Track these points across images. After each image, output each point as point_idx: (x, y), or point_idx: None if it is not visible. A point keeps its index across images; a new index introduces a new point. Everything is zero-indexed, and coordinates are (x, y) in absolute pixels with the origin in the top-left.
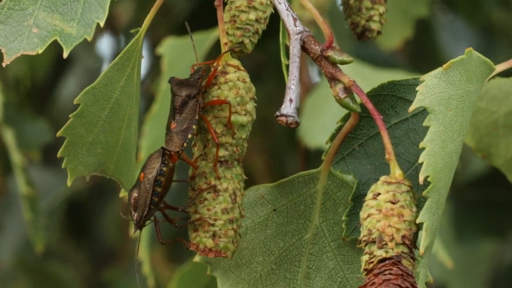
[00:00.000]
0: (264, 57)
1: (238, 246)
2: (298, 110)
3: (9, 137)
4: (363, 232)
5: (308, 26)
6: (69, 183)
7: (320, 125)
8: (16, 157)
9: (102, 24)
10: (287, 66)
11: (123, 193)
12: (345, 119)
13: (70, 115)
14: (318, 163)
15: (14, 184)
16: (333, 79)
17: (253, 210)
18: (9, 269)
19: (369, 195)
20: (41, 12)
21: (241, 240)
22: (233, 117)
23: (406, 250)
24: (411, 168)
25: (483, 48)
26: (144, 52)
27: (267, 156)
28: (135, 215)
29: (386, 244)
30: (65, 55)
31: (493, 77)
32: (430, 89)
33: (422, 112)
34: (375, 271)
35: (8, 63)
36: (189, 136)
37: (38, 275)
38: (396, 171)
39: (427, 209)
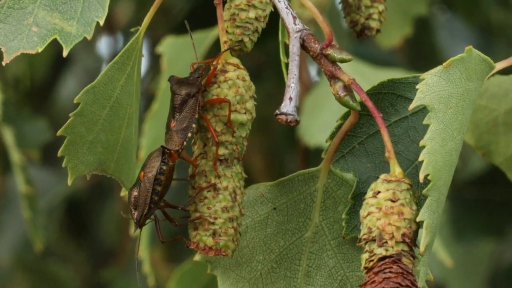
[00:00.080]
0: (263, 56)
1: (238, 245)
2: (298, 109)
3: (9, 136)
4: (363, 230)
5: (308, 25)
6: (69, 182)
7: (319, 123)
8: (16, 156)
9: (101, 23)
10: (287, 65)
11: (123, 192)
12: (345, 117)
13: (70, 114)
14: (317, 162)
15: (13, 183)
16: (332, 77)
17: (253, 208)
18: (8, 268)
19: (369, 193)
20: (40, 11)
21: (241, 238)
22: (232, 116)
23: (406, 248)
24: (411, 166)
25: (482, 47)
26: (144, 51)
27: (267, 155)
28: (135, 214)
29: (386, 242)
30: (65, 53)
31: (493, 75)
32: (430, 87)
33: (422, 110)
34: (375, 269)
35: (8, 62)
36: (189, 134)
37: (37, 274)
38: (396, 169)
39: (427, 207)
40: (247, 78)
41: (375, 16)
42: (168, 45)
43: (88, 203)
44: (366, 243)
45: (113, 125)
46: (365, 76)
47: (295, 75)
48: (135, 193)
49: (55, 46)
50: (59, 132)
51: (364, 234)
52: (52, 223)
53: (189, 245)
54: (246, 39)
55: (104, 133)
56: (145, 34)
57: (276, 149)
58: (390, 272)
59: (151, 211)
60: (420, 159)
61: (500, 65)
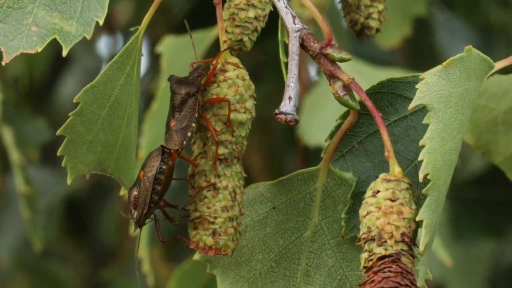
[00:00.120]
0: (263, 56)
1: (238, 244)
2: (297, 108)
3: (8, 136)
4: (363, 229)
5: (307, 24)
6: (69, 181)
7: (319, 123)
8: (15, 155)
9: (101, 22)
10: (286, 64)
11: (123, 192)
12: (344, 116)
13: (70, 114)
14: (317, 161)
15: (12, 182)
16: (332, 77)
17: (253, 208)
18: (8, 268)
19: (368, 192)
20: (40, 11)
21: (241, 238)
22: (232, 115)
23: (405, 247)
24: (410, 165)
25: (482, 47)
26: (144, 51)
27: (267, 155)
28: (135, 214)
29: (385, 241)
30: (64, 53)
31: (492, 74)
32: (430, 86)
33: (422, 110)
34: (375, 269)
35: (8, 61)
36: (189, 134)
37: (36, 274)
38: (395, 169)
39: (427, 207)
40: (247, 77)
41: (375, 15)
42: (168, 44)
43: (87, 202)
44: (365, 242)
45: (113, 124)
46: (365, 76)
47: (294, 74)
48: (134, 192)
49: (54, 45)
50: (58, 132)
51: (363, 234)
52: (51, 223)
53: (189, 244)
54: (245, 39)
55: (104, 132)
56: (145, 34)
57: (276, 149)
58: (390, 271)
59: (151, 211)
60: (419, 158)
61: (500, 65)
